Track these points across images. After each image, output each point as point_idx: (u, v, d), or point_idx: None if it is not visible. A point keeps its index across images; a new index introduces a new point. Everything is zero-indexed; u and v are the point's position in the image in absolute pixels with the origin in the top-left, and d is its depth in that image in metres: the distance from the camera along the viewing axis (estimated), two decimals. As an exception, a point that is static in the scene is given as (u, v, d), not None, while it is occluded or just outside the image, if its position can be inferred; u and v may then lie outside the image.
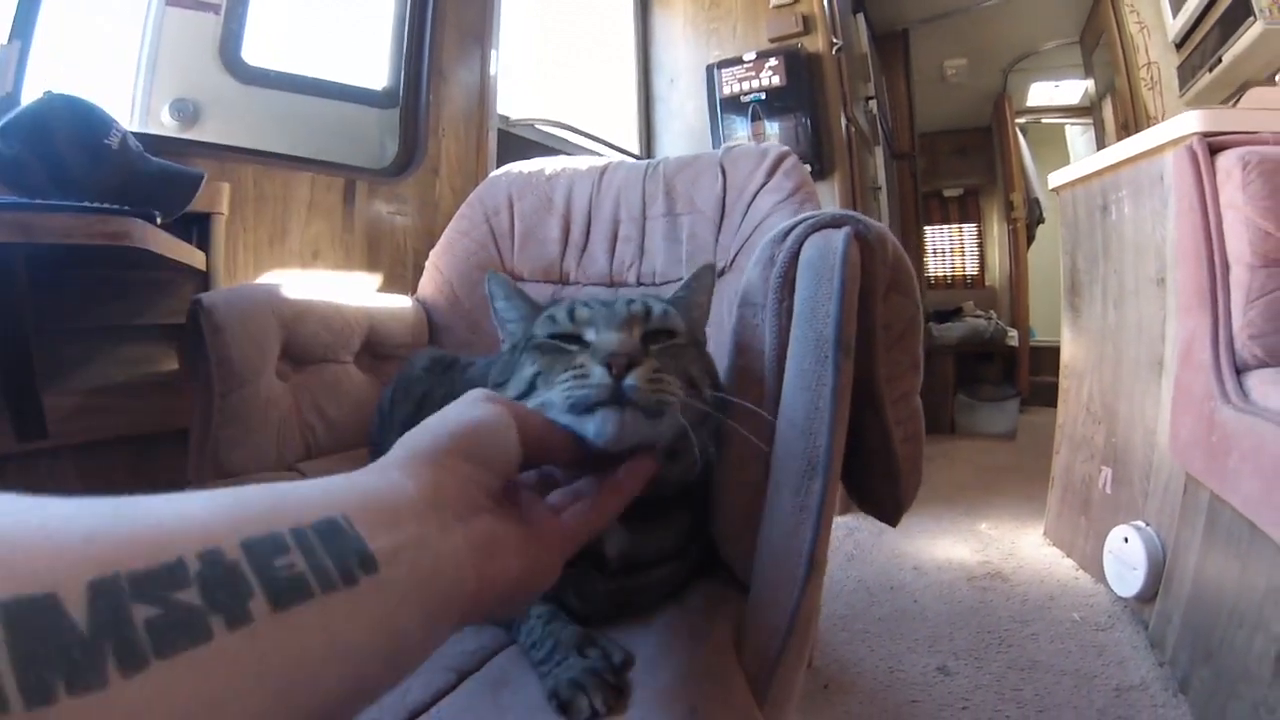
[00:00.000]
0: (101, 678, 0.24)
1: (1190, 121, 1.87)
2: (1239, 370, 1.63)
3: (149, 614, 0.26)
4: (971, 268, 8.01)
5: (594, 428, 0.63)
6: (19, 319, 1.40)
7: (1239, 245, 1.67)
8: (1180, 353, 1.83)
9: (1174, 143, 1.92)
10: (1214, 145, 1.78)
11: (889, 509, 0.88)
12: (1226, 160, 1.72)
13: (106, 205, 1.17)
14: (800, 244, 0.72)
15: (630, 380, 0.64)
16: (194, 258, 1.56)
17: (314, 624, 0.32)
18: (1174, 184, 1.88)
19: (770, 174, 1.58)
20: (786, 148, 1.68)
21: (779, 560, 0.68)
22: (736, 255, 1.58)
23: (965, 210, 7.98)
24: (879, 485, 0.85)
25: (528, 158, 2.00)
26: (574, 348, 0.71)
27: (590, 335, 0.72)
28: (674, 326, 0.77)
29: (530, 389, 0.70)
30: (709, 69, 3.74)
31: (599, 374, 0.64)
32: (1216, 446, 1.56)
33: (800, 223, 0.74)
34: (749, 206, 1.57)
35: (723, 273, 1.57)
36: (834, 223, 0.71)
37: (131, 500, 0.30)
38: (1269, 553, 1.39)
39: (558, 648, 0.72)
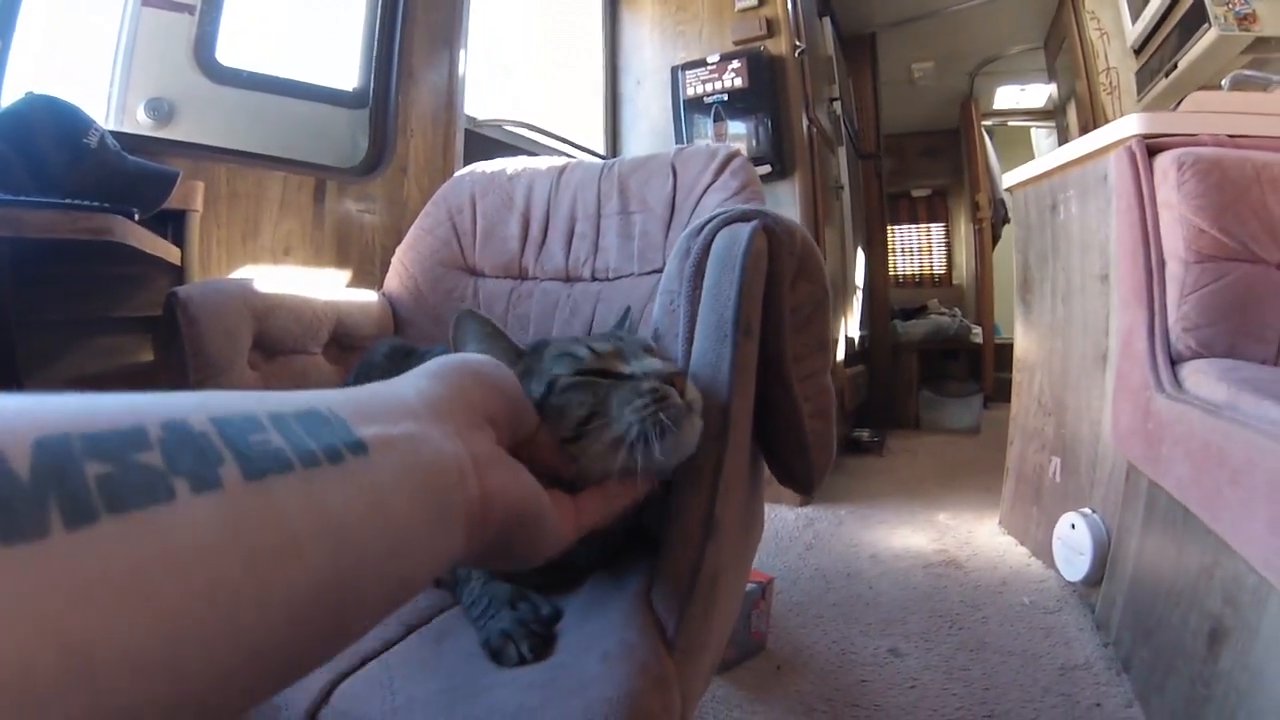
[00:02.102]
0: (42, 527, 0.22)
1: (1131, 124, 1.92)
2: (1174, 361, 1.68)
3: (101, 470, 0.25)
4: (939, 267, 8.04)
5: (679, 442, 0.67)
6: (2, 311, 1.43)
7: (1174, 242, 1.72)
8: (1120, 345, 1.88)
9: (1116, 144, 1.96)
10: (1154, 147, 1.84)
11: (803, 481, 0.94)
12: (1163, 161, 1.77)
13: (88, 202, 1.21)
14: (713, 237, 0.79)
15: (690, 393, 0.69)
16: (170, 253, 1.59)
17: (294, 495, 0.30)
18: (1115, 184, 1.93)
19: (718, 173, 1.62)
20: (737, 148, 1.72)
21: (685, 520, 0.74)
22: (684, 251, 1.61)
23: (933, 210, 8.02)
24: (793, 459, 0.91)
25: (495, 157, 2.03)
26: (610, 381, 0.71)
27: (627, 367, 0.73)
28: (663, 355, 0.80)
29: (585, 425, 0.67)
30: (674, 70, 3.79)
31: (673, 393, 0.67)
32: (1152, 434, 1.61)
33: (715, 217, 0.81)
34: (697, 204, 1.62)
35: (672, 268, 1.61)
36: (744, 217, 0.78)
37: (93, 394, 0.29)
38: (1200, 534, 1.42)
39: (492, 603, 0.79)
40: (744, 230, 0.76)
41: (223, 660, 0.26)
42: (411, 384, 0.44)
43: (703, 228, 0.81)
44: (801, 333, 0.83)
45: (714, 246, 0.78)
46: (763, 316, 0.78)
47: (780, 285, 0.79)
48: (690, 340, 0.78)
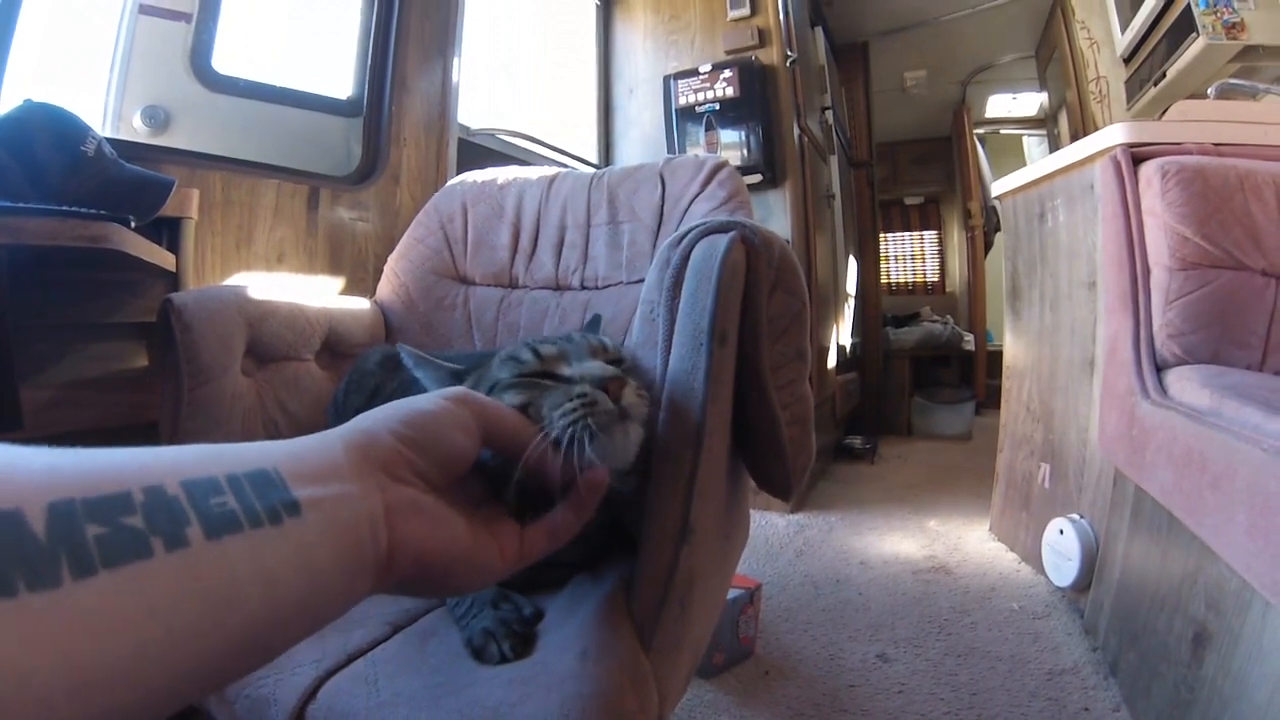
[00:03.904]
0: (56, 579, 0.29)
1: (1116, 133, 1.94)
2: (1159, 368, 1.68)
3: (98, 531, 0.31)
4: (932, 274, 8.09)
5: (605, 449, 0.67)
6: (0, 316, 1.43)
7: (1158, 249, 1.73)
8: (1106, 352, 1.89)
9: (1102, 153, 1.99)
10: (1139, 155, 1.85)
11: (780, 486, 0.95)
12: (1148, 170, 1.78)
13: (85, 210, 1.22)
14: (692, 247, 0.81)
15: (627, 399, 0.69)
16: (165, 260, 1.60)
17: (242, 552, 0.37)
18: (1100, 192, 1.94)
19: (706, 183, 1.64)
20: (724, 158, 1.74)
21: (660, 523, 0.76)
22: (671, 261, 1.63)
23: (926, 218, 8.08)
24: (771, 465, 0.93)
25: (487, 166, 2.04)
26: (550, 383, 0.73)
27: (568, 369, 0.75)
28: (619, 354, 0.82)
29: None
30: (666, 79, 3.81)
31: (604, 398, 0.68)
32: (1137, 440, 1.61)
33: (694, 228, 0.83)
34: (684, 214, 1.63)
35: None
36: (722, 228, 0.80)
37: (89, 450, 0.35)
38: (1184, 540, 1.44)
39: (475, 603, 0.81)
40: (722, 241, 0.78)
41: (178, 677, 0.34)
42: (343, 440, 0.50)
43: (682, 238, 0.83)
44: (779, 342, 0.85)
45: (692, 257, 0.80)
46: (740, 325, 0.80)
47: (758, 295, 0.81)
48: (669, 348, 0.80)
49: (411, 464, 0.52)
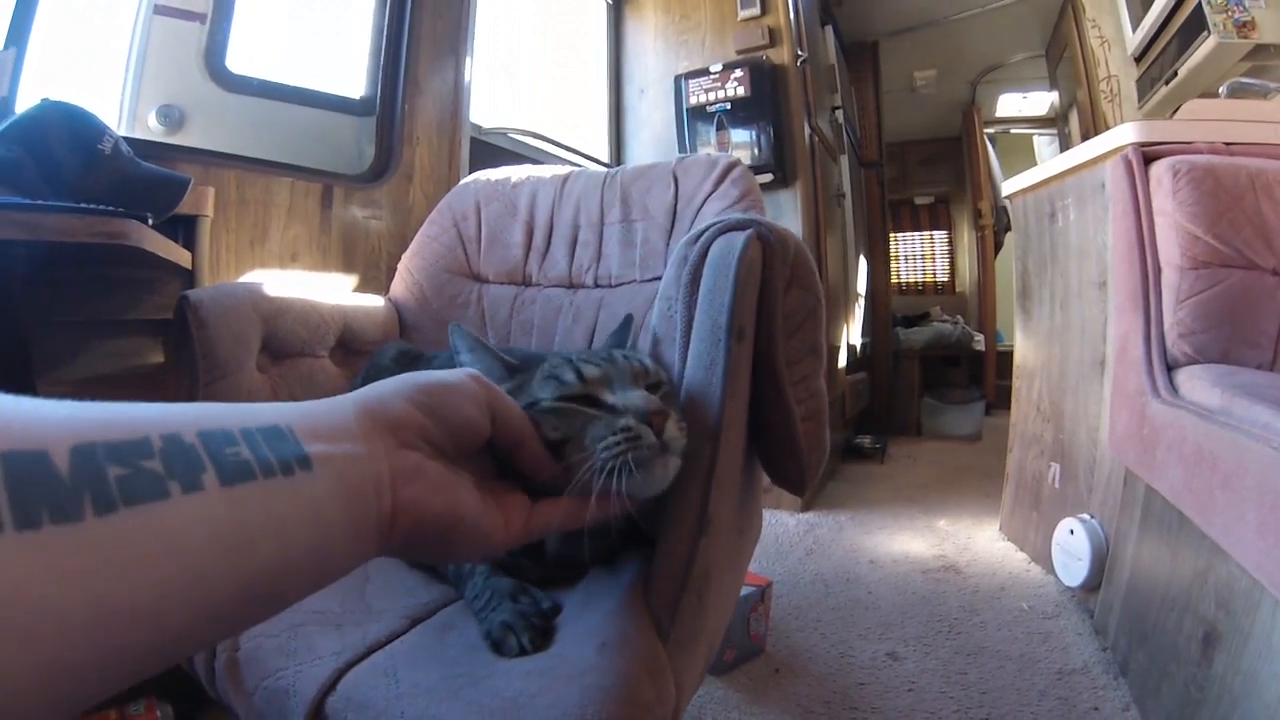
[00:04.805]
0: (79, 514, 0.30)
1: (1127, 132, 1.94)
2: (1170, 367, 1.68)
3: (119, 472, 0.32)
4: (942, 274, 8.08)
5: (643, 482, 0.68)
6: (18, 312, 1.45)
7: (1169, 249, 1.73)
8: (1117, 351, 1.89)
9: (1113, 152, 1.98)
10: (1149, 155, 1.85)
11: (795, 481, 0.96)
12: (1158, 169, 1.78)
13: (104, 206, 1.23)
14: (709, 245, 0.82)
15: (669, 433, 0.70)
16: (181, 257, 1.60)
17: (255, 499, 0.38)
18: (1111, 192, 1.94)
19: (719, 182, 1.64)
20: (736, 157, 1.74)
21: (679, 515, 0.77)
22: (684, 259, 1.64)
23: (936, 217, 8.06)
24: (786, 460, 0.93)
25: (499, 165, 2.05)
26: (593, 410, 0.73)
27: (611, 396, 0.75)
28: (659, 376, 0.82)
29: (559, 449, 0.70)
30: (677, 79, 3.81)
31: (647, 432, 0.69)
32: (1147, 439, 1.62)
33: (711, 226, 0.84)
34: (697, 213, 1.64)
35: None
36: (739, 226, 0.81)
37: (110, 403, 0.36)
38: (1194, 539, 1.44)
39: (494, 597, 0.82)
40: (739, 238, 0.79)
41: (193, 620, 0.35)
42: (355, 404, 0.51)
43: (700, 235, 0.84)
44: (794, 338, 0.86)
45: (710, 254, 0.81)
46: (756, 322, 0.81)
47: (774, 291, 0.82)
48: (687, 344, 0.81)
49: (423, 430, 0.53)
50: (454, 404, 0.57)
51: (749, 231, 0.80)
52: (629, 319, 1.04)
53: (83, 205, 1.22)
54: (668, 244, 1.68)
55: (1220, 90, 2.66)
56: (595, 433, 0.69)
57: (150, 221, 1.33)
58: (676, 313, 0.83)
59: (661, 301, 0.88)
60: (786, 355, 0.85)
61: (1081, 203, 2.30)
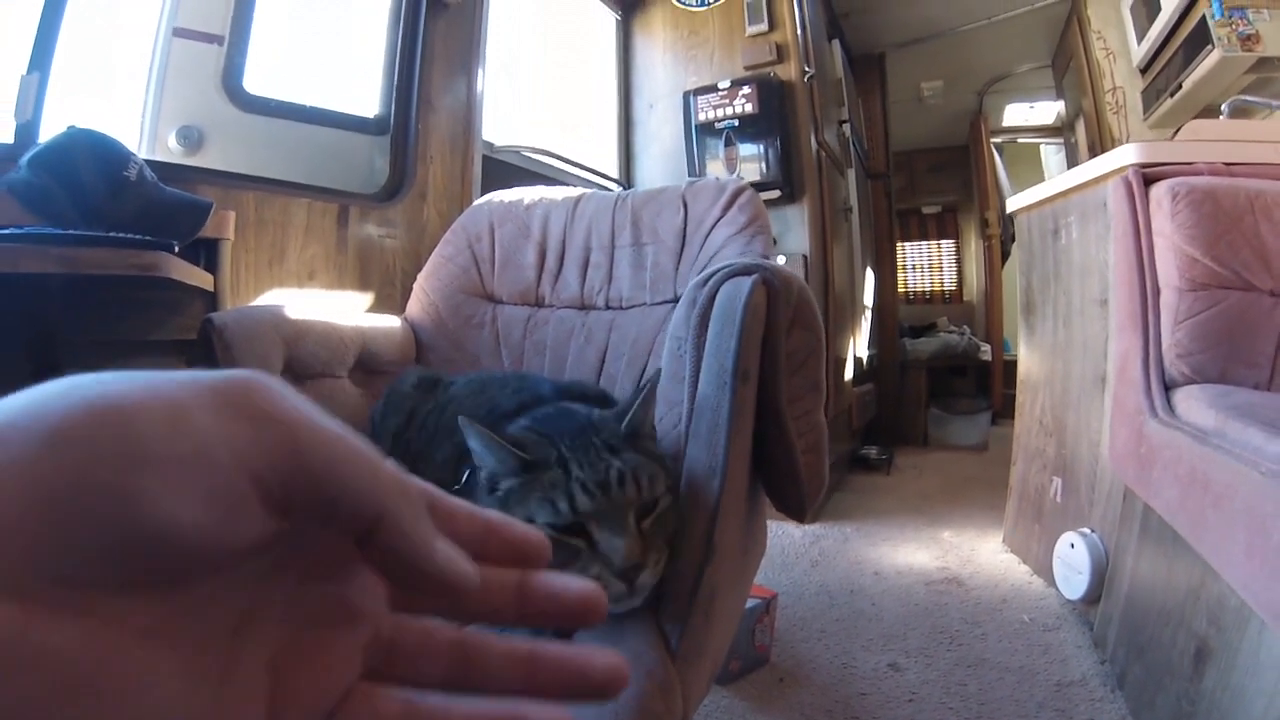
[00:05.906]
0: None
1: (1128, 153, 1.96)
2: (1168, 387, 1.70)
3: None
4: (950, 283, 8.09)
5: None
6: (53, 332, 1.49)
7: (1168, 270, 1.75)
8: (1117, 370, 1.91)
9: (1115, 173, 2.00)
10: (1150, 176, 1.86)
11: (795, 508, 1.01)
12: (1158, 190, 1.80)
13: (134, 236, 1.26)
14: (717, 289, 0.87)
15: (641, 580, 0.75)
16: (204, 280, 1.65)
17: None
18: (1112, 212, 1.96)
19: (727, 208, 1.68)
20: (744, 182, 1.77)
21: (687, 544, 0.82)
22: (694, 283, 1.67)
23: (943, 227, 8.06)
24: (787, 489, 0.98)
25: (511, 182, 2.09)
26: (578, 542, 0.76)
27: (598, 533, 0.76)
28: (658, 491, 0.82)
29: None
30: (686, 95, 3.82)
31: (617, 587, 0.73)
32: (1145, 457, 1.64)
33: (719, 270, 0.88)
34: (706, 238, 1.67)
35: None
36: (745, 271, 0.86)
37: None
38: (1189, 556, 1.46)
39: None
40: (745, 284, 0.84)
41: None
42: None
43: (708, 279, 0.88)
44: (796, 375, 0.91)
45: (718, 298, 0.86)
46: (761, 361, 0.86)
47: (777, 333, 0.86)
48: (696, 383, 0.85)
49: (35, 549, 0.21)
50: (129, 487, 0.21)
51: (754, 277, 0.85)
52: (652, 389, 0.90)
53: (113, 235, 1.26)
54: (677, 267, 1.72)
55: (1222, 108, 2.68)
56: (572, 569, 0.72)
57: (176, 249, 1.37)
58: (686, 353, 0.88)
59: (672, 341, 0.92)
60: (789, 392, 0.90)
61: (1084, 220, 2.31)
